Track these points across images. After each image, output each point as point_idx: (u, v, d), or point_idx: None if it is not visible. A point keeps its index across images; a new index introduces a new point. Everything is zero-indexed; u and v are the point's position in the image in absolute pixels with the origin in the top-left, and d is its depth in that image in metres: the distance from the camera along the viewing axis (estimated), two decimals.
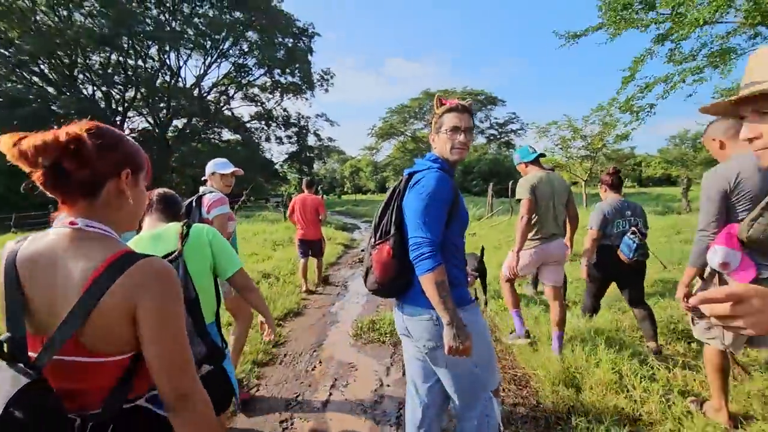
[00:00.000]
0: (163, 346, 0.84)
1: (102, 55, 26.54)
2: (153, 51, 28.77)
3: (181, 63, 30.62)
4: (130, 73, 27.74)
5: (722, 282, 1.97)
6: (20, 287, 0.83)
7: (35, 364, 0.78)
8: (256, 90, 35.01)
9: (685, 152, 32.33)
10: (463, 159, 1.62)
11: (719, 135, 2.10)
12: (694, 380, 2.68)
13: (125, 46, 26.17)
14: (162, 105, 29.47)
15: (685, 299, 2.17)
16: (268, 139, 36.45)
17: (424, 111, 44.84)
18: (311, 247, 5.92)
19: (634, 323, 3.56)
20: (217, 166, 3.05)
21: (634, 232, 3.19)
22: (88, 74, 26.92)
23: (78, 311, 0.79)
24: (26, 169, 0.82)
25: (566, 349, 3.11)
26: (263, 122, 36.09)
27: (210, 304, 1.79)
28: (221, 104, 33.71)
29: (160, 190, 1.93)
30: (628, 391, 2.55)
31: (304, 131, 36.77)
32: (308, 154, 37.78)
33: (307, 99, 35.44)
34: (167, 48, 28.19)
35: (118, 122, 26.92)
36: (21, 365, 0.78)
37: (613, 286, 3.53)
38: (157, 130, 29.87)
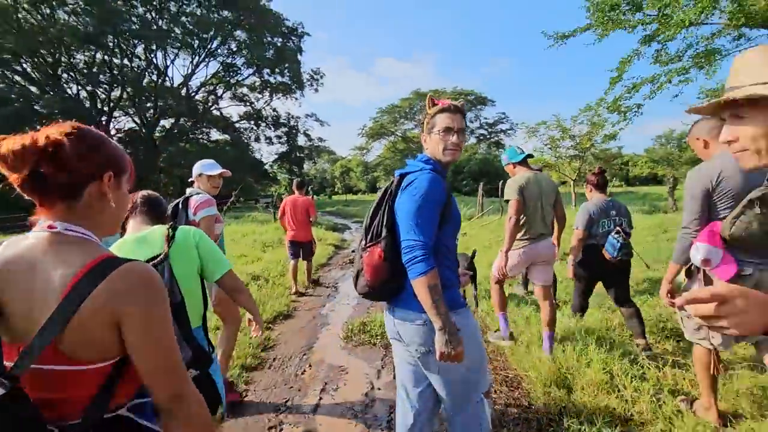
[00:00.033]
0: (151, 351, 0.83)
1: (87, 53, 25.99)
2: (139, 50, 28.28)
3: (168, 62, 30.22)
4: (115, 72, 27.17)
5: (707, 278, 2.00)
6: None
7: (11, 374, 0.75)
8: (245, 90, 34.70)
9: (671, 152, 33.00)
10: (456, 160, 1.60)
11: (703, 134, 2.14)
12: (684, 379, 2.71)
13: (111, 44, 25.66)
14: (149, 105, 28.92)
15: (669, 295, 2.21)
16: (257, 140, 36.18)
17: (415, 111, 44.95)
18: (302, 248, 5.87)
19: (623, 322, 3.59)
20: (204, 168, 3.01)
21: (618, 232, 3.26)
22: (72, 73, 26.36)
23: (57, 318, 0.76)
24: (3, 171, 0.79)
25: (557, 349, 3.12)
26: (252, 122, 35.78)
27: (197, 307, 1.76)
28: (209, 104, 33.29)
29: (144, 192, 1.91)
30: (619, 391, 2.56)
31: (294, 131, 36.58)
32: (298, 155, 37.61)
33: (296, 99, 35.25)
34: (154, 47, 27.75)
35: (104, 122, 26.32)
36: None
37: (601, 285, 3.57)
38: (143, 131, 29.37)
